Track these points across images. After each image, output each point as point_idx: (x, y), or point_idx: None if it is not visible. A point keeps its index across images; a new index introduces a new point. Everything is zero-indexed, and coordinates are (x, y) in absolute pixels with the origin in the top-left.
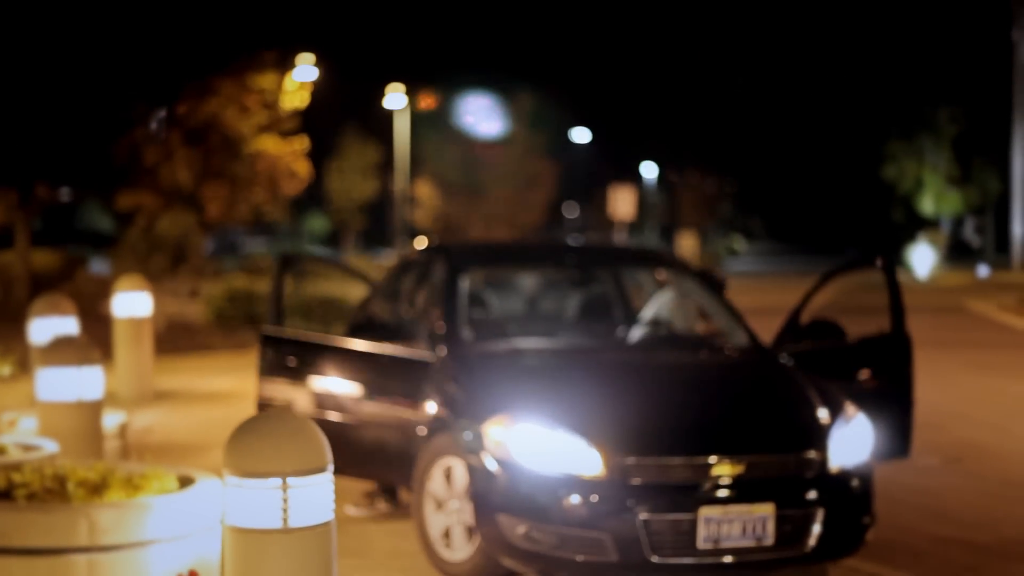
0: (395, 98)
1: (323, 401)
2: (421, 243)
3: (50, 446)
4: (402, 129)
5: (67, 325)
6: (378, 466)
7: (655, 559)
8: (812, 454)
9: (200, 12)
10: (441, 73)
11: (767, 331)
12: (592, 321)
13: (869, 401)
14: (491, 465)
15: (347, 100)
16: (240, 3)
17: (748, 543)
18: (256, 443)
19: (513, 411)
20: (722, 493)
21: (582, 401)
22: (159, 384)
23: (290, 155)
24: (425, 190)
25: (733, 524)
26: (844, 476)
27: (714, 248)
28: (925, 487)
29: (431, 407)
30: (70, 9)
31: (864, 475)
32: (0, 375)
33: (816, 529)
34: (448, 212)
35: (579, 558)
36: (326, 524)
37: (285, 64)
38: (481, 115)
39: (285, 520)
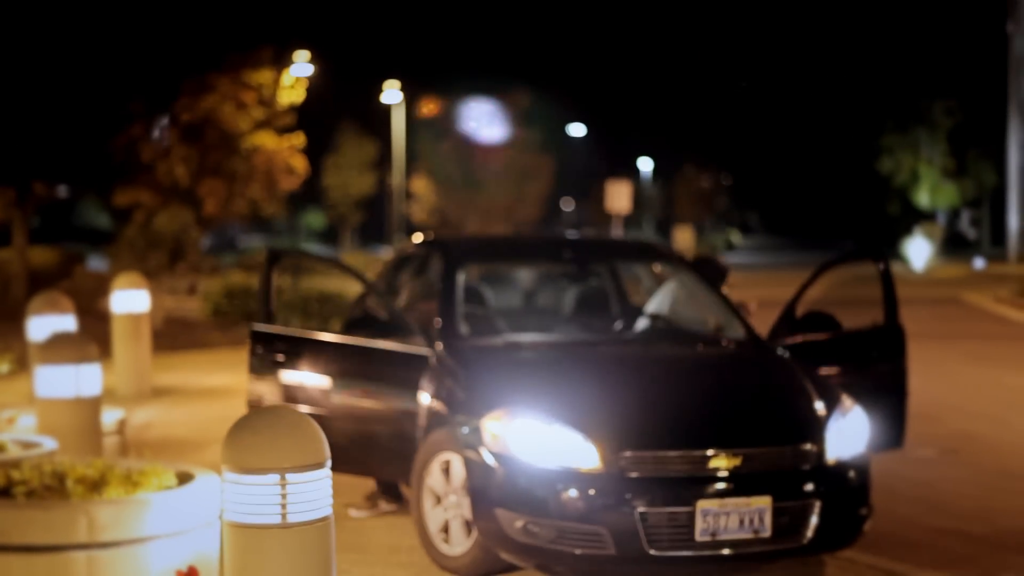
0: (391, 94)
1: (317, 398)
2: (419, 239)
3: (49, 443)
4: (399, 125)
5: (65, 322)
6: (375, 462)
7: (653, 552)
8: (809, 446)
9: (197, 9)
10: (437, 67)
11: (764, 324)
12: (589, 315)
13: (863, 392)
14: (489, 460)
15: (344, 96)
16: (236, 0)
17: (746, 535)
18: (254, 439)
19: (511, 406)
20: (719, 486)
21: (579, 395)
22: (157, 381)
23: (287, 151)
24: (422, 185)
25: (731, 517)
26: (841, 468)
27: (711, 242)
28: (922, 479)
29: (429, 402)
30: (67, 6)
31: (861, 467)
32: None
33: (813, 521)
34: (445, 207)
35: (577, 551)
36: (325, 519)
37: (282, 60)
38: (483, 121)
39: (284, 516)
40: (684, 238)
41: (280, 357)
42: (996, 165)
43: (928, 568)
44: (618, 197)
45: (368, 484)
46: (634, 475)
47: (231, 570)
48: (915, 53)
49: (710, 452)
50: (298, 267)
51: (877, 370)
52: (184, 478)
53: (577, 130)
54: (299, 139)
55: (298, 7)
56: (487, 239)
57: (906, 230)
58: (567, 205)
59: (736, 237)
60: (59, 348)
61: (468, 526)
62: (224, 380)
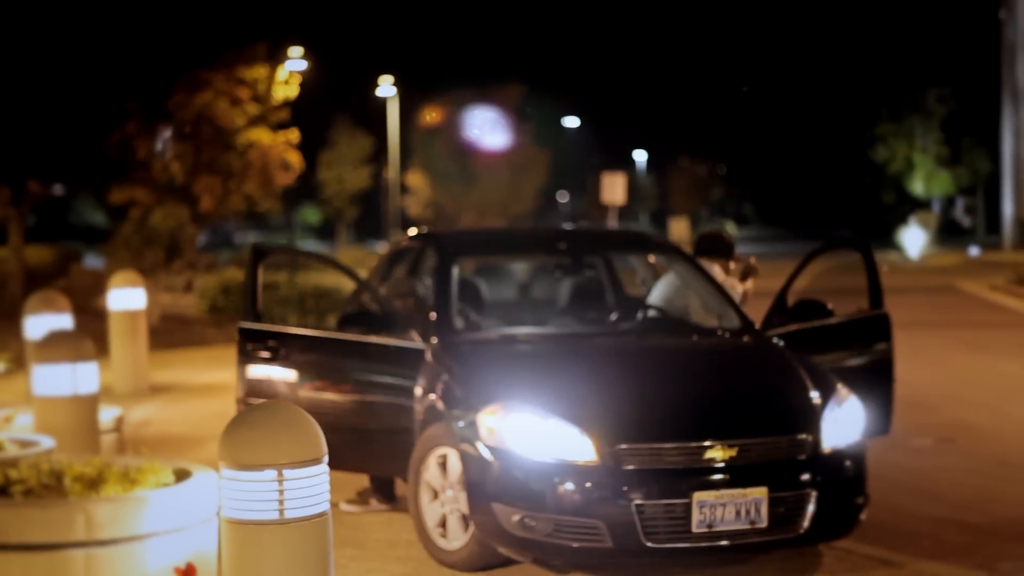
0: (386, 88)
1: (308, 395)
2: (413, 233)
3: (46, 441)
4: (393, 119)
5: (62, 321)
6: (372, 458)
7: (650, 544)
8: (805, 436)
9: (190, 5)
10: (430, 61)
11: (757, 313)
12: (584, 307)
13: (852, 379)
14: (485, 454)
15: (338, 91)
16: None
17: (742, 526)
18: (251, 435)
19: (506, 400)
20: (715, 477)
21: (575, 388)
22: (154, 378)
23: (282, 146)
24: (417, 180)
25: (727, 508)
26: (837, 458)
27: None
28: (918, 468)
29: (424, 396)
30: (62, 5)
31: (857, 456)
32: None
33: (810, 511)
34: (440, 201)
35: (574, 544)
36: (322, 515)
37: (276, 56)
38: (485, 129)
39: (281, 511)
40: (679, 229)
41: (268, 354)
42: (990, 153)
43: (925, 557)
44: (613, 189)
45: (362, 480)
46: (630, 467)
47: (229, 566)
48: (908, 42)
49: (706, 443)
50: (294, 263)
51: (864, 356)
52: (182, 475)
53: (572, 123)
54: (294, 134)
55: (292, 3)
56: (481, 232)
57: (901, 219)
58: (563, 198)
59: (731, 227)
60: (56, 346)
61: (465, 520)
62: (221, 377)
